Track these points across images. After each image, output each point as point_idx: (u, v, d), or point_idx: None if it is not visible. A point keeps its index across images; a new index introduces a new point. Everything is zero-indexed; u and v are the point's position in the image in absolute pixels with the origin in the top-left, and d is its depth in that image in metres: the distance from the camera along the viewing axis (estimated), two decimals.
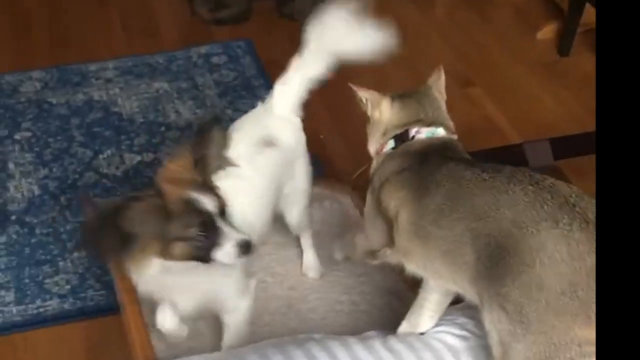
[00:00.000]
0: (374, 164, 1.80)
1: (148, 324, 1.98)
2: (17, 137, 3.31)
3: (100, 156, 3.21)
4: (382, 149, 1.78)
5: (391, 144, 1.75)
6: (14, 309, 2.62)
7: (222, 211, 1.66)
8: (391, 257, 1.67)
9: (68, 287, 2.69)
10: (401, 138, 1.73)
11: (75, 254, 2.79)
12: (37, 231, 2.89)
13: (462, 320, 1.67)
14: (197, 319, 1.98)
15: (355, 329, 1.78)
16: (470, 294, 1.51)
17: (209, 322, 2.00)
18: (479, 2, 4.13)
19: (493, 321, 1.42)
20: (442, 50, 3.83)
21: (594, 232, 1.35)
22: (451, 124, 1.78)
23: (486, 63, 3.71)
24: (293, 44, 3.77)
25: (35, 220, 2.93)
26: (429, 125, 1.73)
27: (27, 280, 2.71)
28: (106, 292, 2.66)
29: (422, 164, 1.63)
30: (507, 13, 4.05)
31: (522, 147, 2.62)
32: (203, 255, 1.64)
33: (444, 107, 1.80)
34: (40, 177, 3.12)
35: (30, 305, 2.63)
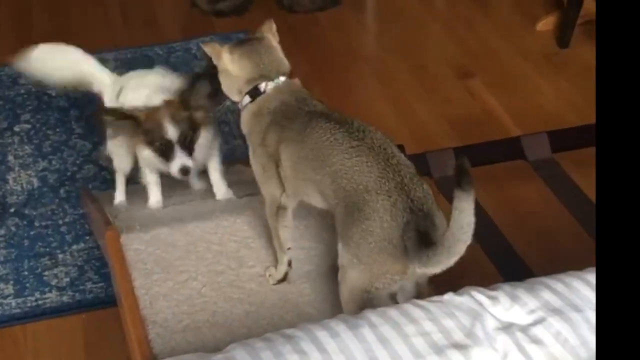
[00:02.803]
0: (243, 118, 2.07)
1: (145, 318, 1.98)
2: (16, 129, 3.31)
3: (100, 148, 3.20)
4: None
5: (247, 99, 2.03)
6: (13, 302, 2.62)
7: (186, 139, 2.28)
8: (287, 200, 2.05)
9: (67, 279, 2.69)
10: (254, 93, 2.01)
11: (74, 247, 2.80)
12: (36, 223, 2.89)
13: None
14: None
15: None
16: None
17: (207, 316, 2.00)
18: None
19: (341, 251, 1.91)
20: (442, 41, 3.82)
21: (410, 204, 1.80)
22: (288, 67, 2.05)
23: (486, 54, 3.69)
24: (292, 36, 3.81)
25: (35, 213, 2.94)
26: (272, 78, 2.00)
27: (26, 273, 2.71)
28: (105, 285, 2.66)
29: (288, 119, 1.97)
30: (507, 4, 4.03)
31: (520, 140, 2.61)
32: (162, 162, 2.32)
33: (279, 53, 2.05)
34: (39, 169, 3.12)
35: (29, 298, 2.64)
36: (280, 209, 2.06)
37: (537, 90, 3.47)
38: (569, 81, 3.50)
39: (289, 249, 2.13)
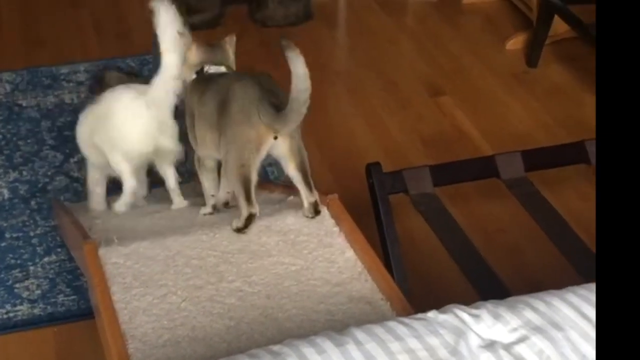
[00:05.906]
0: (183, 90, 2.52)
1: (124, 333, 1.98)
2: None
3: (71, 160, 3.19)
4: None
5: (193, 75, 2.49)
6: None
7: None
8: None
9: (38, 292, 2.67)
10: (199, 72, 2.48)
11: (46, 259, 2.78)
12: (7, 235, 2.87)
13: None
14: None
15: None
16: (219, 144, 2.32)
17: (187, 331, 2.00)
18: (450, 10, 4.16)
19: (222, 148, 2.29)
20: (413, 58, 3.86)
21: (259, 84, 2.25)
22: (233, 65, 2.55)
23: (457, 72, 3.74)
24: (265, 50, 3.83)
25: (5, 224, 2.91)
26: (215, 64, 2.49)
27: None
28: (77, 297, 2.65)
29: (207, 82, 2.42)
30: (478, 22, 4.09)
31: (494, 159, 2.65)
32: None
33: (231, 56, 2.56)
34: (10, 180, 3.10)
35: (0, 310, 2.61)
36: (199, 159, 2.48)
37: (506, 108, 3.53)
38: (537, 100, 3.56)
39: (212, 195, 2.49)
